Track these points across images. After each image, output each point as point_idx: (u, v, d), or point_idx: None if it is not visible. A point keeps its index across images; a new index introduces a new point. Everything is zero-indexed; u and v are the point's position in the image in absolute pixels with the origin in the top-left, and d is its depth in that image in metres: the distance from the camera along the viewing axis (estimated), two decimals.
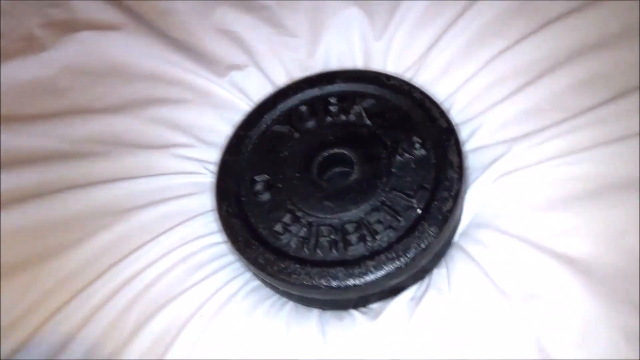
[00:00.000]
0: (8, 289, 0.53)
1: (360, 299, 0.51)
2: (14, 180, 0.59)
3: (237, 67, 0.63)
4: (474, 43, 0.59)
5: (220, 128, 0.61)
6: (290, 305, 0.52)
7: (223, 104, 0.62)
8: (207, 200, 0.57)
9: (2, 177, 0.58)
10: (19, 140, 0.61)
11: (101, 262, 0.54)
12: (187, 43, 0.66)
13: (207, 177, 0.59)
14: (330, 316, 0.51)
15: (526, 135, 0.53)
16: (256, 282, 0.54)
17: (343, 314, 0.51)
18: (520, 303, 0.46)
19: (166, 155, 0.60)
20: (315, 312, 0.51)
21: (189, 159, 0.60)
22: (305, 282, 0.48)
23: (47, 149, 0.61)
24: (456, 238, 0.53)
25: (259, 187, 0.53)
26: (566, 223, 0.49)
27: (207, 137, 0.61)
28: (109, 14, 0.68)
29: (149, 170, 0.59)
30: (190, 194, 0.58)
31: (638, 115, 0.49)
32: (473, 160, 0.55)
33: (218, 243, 0.55)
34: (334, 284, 0.47)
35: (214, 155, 0.58)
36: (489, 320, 0.47)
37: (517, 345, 0.45)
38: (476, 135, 0.55)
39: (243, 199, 0.53)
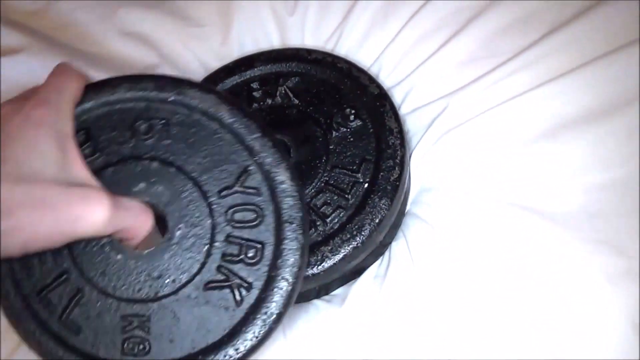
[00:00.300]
0: None
1: (322, 288, 0.48)
2: None
3: (149, 68, 0.59)
4: (391, 3, 0.56)
5: None
6: None
7: None
8: None
9: None
10: None
11: None
12: (94, 53, 0.61)
13: None
14: (291, 310, 0.48)
15: (461, 88, 0.51)
16: None
17: (306, 305, 0.48)
18: (483, 258, 0.45)
19: None
20: None
21: None
22: None
23: None
24: (409, 206, 0.51)
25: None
26: (515, 171, 0.48)
27: None
28: (7, 37, 0.62)
29: None
30: None
31: (570, 50, 0.49)
32: (412, 124, 0.53)
33: None
34: None
35: None
36: (455, 283, 0.45)
37: (487, 302, 0.44)
38: (410, 97, 0.53)
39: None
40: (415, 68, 0.54)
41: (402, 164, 0.47)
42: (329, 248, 0.45)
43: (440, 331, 0.45)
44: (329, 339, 0.46)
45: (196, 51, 0.59)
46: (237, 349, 0.37)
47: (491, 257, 0.45)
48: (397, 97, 0.54)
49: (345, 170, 0.47)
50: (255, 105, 0.52)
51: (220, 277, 0.38)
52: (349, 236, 0.45)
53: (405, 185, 0.49)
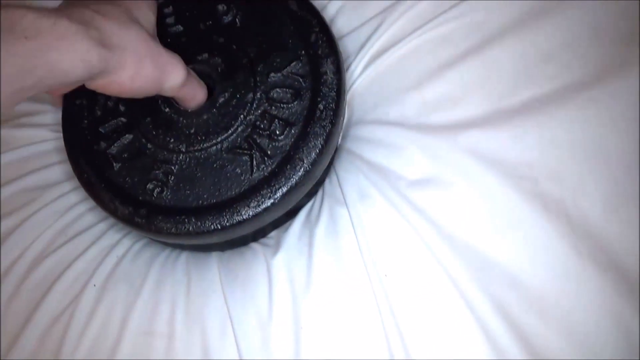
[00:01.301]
0: None
1: (258, 232, 0.48)
2: None
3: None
4: None
5: None
6: (185, 255, 0.49)
7: None
8: (68, 166, 0.49)
9: None
10: None
11: None
12: None
13: (59, 142, 0.51)
14: (230, 255, 0.48)
15: (386, 8, 0.49)
16: (144, 240, 0.50)
17: (243, 250, 0.48)
18: (418, 193, 0.44)
19: (9, 128, 0.53)
20: (214, 256, 0.48)
21: (35, 126, 0.53)
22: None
23: None
24: (339, 141, 0.50)
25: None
26: (447, 92, 0.46)
27: (48, 98, 0.53)
28: None
29: None
30: (49, 165, 0.52)
31: None
32: (345, 46, 0.51)
33: (90, 209, 0.51)
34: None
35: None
36: (388, 222, 0.44)
37: (422, 243, 0.43)
38: (339, 18, 0.51)
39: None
40: None
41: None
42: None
43: (373, 280, 0.43)
44: (267, 284, 0.45)
45: None
46: (235, 213, 0.42)
47: (423, 192, 0.44)
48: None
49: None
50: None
51: (244, 145, 0.43)
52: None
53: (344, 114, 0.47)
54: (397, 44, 0.48)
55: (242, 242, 0.49)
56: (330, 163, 0.49)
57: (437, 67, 0.46)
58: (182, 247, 0.49)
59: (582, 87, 0.42)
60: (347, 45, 0.51)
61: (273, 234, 0.49)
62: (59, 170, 0.52)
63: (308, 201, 0.49)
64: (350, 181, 0.47)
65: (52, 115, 0.54)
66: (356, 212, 0.45)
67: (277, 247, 0.47)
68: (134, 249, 0.49)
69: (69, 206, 0.50)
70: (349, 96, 0.49)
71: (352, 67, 0.49)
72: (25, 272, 0.47)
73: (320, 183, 0.49)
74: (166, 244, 0.49)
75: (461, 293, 0.41)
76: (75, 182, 0.49)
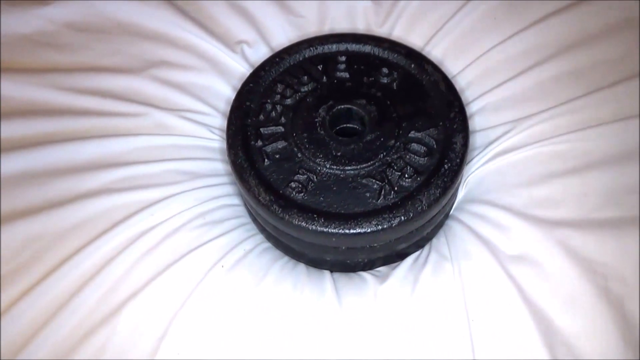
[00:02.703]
0: (14, 234, 0.53)
1: (368, 262, 0.55)
2: (16, 129, 0.58)
3: (246, 42, 0.66)
4: (469, 36, 0.65)
5: (230, 96, 0.62)
6: (301, 266, 0.56)
7: (232, 74, 0.65)
8: (218, 165, 0.59)
9: (2, 125, 0.58)
10: (19, 90, 0.60)
11: (113, 213, 0.54)
12: (195, 12, 0.67)
13: (216, 143, 0.61)
14: (340, 276, 0.54)
15: (516, 120, 0.59)
16: (268, 244, 0.57)
17: (352, 275, 0.55)
18: (515, 266, 0.52)
19: (175, 117, 0.61)
20: (326, 273, 0.55)
21: (198, 123, 0.61)
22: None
23: (51, 101, 0.60)
24: (452, 211, 0.59)
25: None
26: (550, 195, 0.55)
27: (216, 104, 0.63)
28: None
29: (158, 129, 0.60)
30: (201, 158, 0.60)
31: (611, 105, 0.57)
32: (474, 140, 0.61)
33: (232, 205, 0.58)
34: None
35: (223, 123, 0.60)
36: (484, 280, 0.52)
37: (508, 302, 0.51)
38: (478, 115, 0.62)
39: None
40: (479, 96, 0.62)
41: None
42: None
43: (461, 321, 0.50)
44: (373, 310, 0.52)
45: (290, 36, 0.66)
46: (357, 225, 0.49)
47: (517, 267, 0.52)
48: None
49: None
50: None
51: (378, 176, 0.52)
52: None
53: (456, 188, 0.56)
54: (519, 149, 0.58)
55: (352, 267, 0.55)
56: (441, 226, 0.57)
57: (546, 175, 0.56)
58: (299, 258, 0.56)
59: None
60: (476, 140, 0.61)
61: (382, 268, 0.56)
62: (212, 165, 0.60)
63: (416, 250, 0.56)
64: (457, 243, 0.55)
65: (218, 120, 0.62)
66: (458, 265, 0.54)
67: (384, 278, 0.54)
68: (260, 248, 0.56)
69: (212, 197, 0.57)
70: (471, 178, 0.59)
71: (480, 156, 0.59)
72: (161, 239, 0.53)
73: (428, 239, 0.57)
74: (287, 250, 0.56)
75: (530, 344, 0.49)
76: (222, 179, 0.57)
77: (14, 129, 0.58)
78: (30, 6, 0.66)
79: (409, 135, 0.54)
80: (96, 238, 0.53)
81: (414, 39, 0.66)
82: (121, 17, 0.66)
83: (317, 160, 0.53)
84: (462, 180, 0.59)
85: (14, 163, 0.56)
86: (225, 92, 0.63)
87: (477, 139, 0.60)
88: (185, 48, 0.65)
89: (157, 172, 0.57)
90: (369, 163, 0.53)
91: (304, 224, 0.50)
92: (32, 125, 0.58)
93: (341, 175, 0.52)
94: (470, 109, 0.62)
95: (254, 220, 0.57)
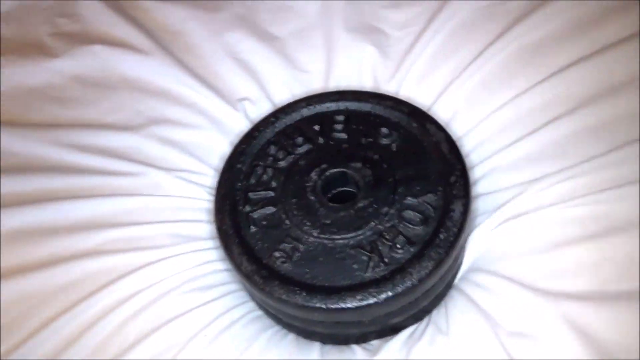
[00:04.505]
0: (6, 292, 0.53)
1: (361, 335, 0.52)
2: (13, 185, 0.59)
3: (248, 98, 0.65)
4: (481, 91, 0.62)
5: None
6: (291, 336, 0.53)
7: (233, 131, 0.63)
8: (213, 227, 0.57)
9: (2, 181, 0.58)
10: (21, 145, 0.61)
11: (103, 275, 0.54)
12: (199, 68, 0.67)
13: (211, 204, 0.59)
14: (330, 349, 0.52)
15: (529, 181, 0.55)
16: (258, 312, 0.55)
17: (344, 348, 0.52)
18: (514, 344, 0.48)
19: (172, 177, 0.60)
20: (316, 345, 0.52)
21: (194, 183, 0.61)
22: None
23: (52, 158, 0.61)
24: (456, 281, 0.55)
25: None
26: (562, 265, 0.51)
27: (214, 163, 0.62)
28: (121, 29, 0.69)
29: (154, 189, 0.60)
30: (197, 220, 0.59)
31: (634, 164, 0.52)
32: (477, 204, 0.57)
33: (226, 270, 0.56)
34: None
35: None
36: (482, 354, 0.48)
37: None
38: (480, 182, 0.58)
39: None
40: (489, 156, 0.58)
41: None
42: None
43: None
44: None
45: (295, 93, 0.64)
46: (340, 300, 0.46)
47: (521, 346, 0.48)
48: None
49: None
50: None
51: (367, 247, 0.49)
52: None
53: (458, 258, 0.53)
54: (531, 212, 0.54)
55: (345, 340, 0.52)
56: (442, 297, 0.54)
57: (561, 242, 0.52)
58: (290, 328, 0.53)
59: None
60: (479, 204, 0.57)
61: (375, 342, 0.53)
62: (206, 228, 0.58)
63: (414, 323, 0.53)
64: (456, 316, 0.52)
65: (212, 180, 0.60)
66: (455, 341, 0.50)
67: (376, 352, 0.51)
68: (250, 316, 0.53)
69: (204, 261, 0.56)
70: (477, 245, 0.55)
71: (486, 223, 0.55)
72: (147, 303, 0.52)
73: (428, 311, 0.53)
74: (277, 320, 0.54)
75: None
76: (216, 242, 0.55)
77: (12, 185, 0.58)
78: (40, 59, 0.67)
79: (405, 201, 0.51)
80: (82, 300, 0.52)
81: (422, 96, 0.63)
82: (128, 72, 0.66)
83: (305, 228, 0.51)
84: (466, 248, 0.55)
85: (11, 220, 0.57)
86: (225, 151, 0.62)
87: (485, 203, 0.57)
88: (187, 105, 0.65)
89: (150, 235, 0.57)
90: (359, 232, 0.50)
91: (284, 297, 0.47)
92: (30, 182, 0.59)
93: (329, 245, 0.50)
94: (478, 171, 0.58)
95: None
